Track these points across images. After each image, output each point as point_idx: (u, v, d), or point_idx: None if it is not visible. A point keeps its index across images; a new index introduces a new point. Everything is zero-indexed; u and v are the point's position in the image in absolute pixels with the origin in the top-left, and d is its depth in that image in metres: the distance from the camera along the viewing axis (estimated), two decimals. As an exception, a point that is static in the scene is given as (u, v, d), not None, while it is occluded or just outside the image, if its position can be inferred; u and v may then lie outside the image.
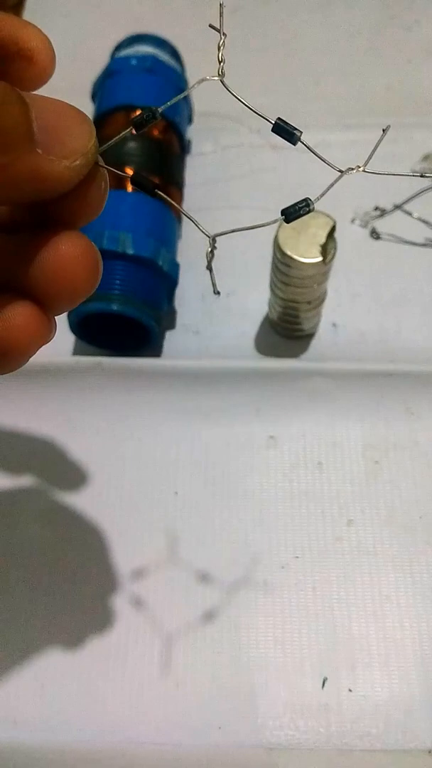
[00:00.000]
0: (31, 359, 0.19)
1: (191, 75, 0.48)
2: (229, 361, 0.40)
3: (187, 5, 0.56)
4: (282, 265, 0.35)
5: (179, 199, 0.44)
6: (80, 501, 0.37)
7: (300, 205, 0.17)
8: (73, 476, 0.37)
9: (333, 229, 0.34)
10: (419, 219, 0.45)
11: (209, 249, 0.17)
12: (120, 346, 0.41)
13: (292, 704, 0.32)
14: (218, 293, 0.18)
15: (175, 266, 0.40)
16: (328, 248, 0.34)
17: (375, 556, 0.35)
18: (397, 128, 0.51)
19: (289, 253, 0.34)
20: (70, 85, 0.51)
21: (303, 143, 0.17)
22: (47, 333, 0.17)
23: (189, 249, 0.44)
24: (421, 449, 0.38)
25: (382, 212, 0.45)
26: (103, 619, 0.34)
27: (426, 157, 0.48)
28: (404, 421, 0.38)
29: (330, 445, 0.38)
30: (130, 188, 0.40)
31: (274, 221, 0.18)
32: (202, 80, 0.18)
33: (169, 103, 0.18)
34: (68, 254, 0.16)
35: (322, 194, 0.17)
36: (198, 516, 0.36)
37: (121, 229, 0.38)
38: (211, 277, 0.18)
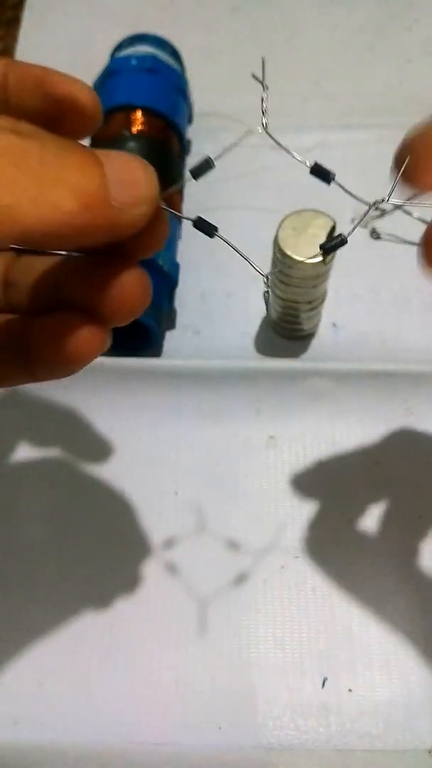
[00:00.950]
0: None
1: (191, 75, 0.48)
2: (229, 361, 0.40)
3: (187, 5, 0.56)
4: (282, 265, 0.35)
5: (179, 199, 0.44)
6: (80, 501, 0.37)
7: (335, 241, 0.19)
8: (73, 476, 0.37)
9: (333, 229, 0.34)
10: (419, 219, 0.45)
11: (265, 290, 0.20)
12: (120, 346, 0.41)
13: (292, 704, 0.32)
14: (273, 317, 0.21)
15: (175, 266, 0.40)
16: (328, 248, 0.34)
17: (375, 555, 0.35)
18: (397, 128, 0.51)
19: (289, 253, 0.34)
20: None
21: (338, 184, 0.20)
22: (105, 345, 0.21)
23: (189, 249, 0.44)
24: (421, 449, 0.38)
25: (382, 212, 0.45)
26: (103, 620, 0.34)
27: (426, 157, 0.48)
28: (404, 421, 0.38)
29: (330, 445, 0.38)
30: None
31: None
32: (248, 133, 0.21)
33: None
34: (131, 287, 0.19)
35: (353, 229, 0.20)
36: (198, 516, 0.36)
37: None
38: (267, 306, 0.20)
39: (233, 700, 0.32)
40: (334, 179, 0.19)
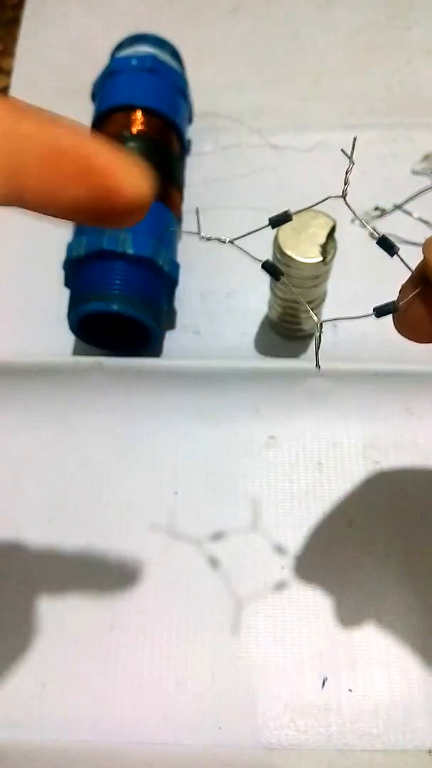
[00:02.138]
0: (30, 359, 0.20)
1: (191, 75, 0.48)
2: (229, 361, 0.40)
3: (187, 5, 0.56)
4: (282, 265, 0.35)
5: (179, 199, 0.44)
6: (80, 501, 0.37)
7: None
8: (73, 476, 0.37)
9: (333, 229, 0.34)
10: (419, 219, 0.45)
11: (317, 333, 0.20)
12: (120, 346, 0.41)
13: (292, 704, 0.32)
14: (318, 367, 0.21)
15: (175, 266, 0.40)
16: (328, 248, 0.34)
17: (375, 556, 0.35)
18: (397, 128, 0.51)
19: (289, 253, 0.34)
20: (71, 85, 0.51)
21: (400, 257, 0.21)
22: None
23: (189, 249, 0.44)
24: (421, 449, 0.38)
25: (382, 212, 0.45)
26: (103, 620, 0.34)
27: (426, 157, 0.48)
28: (404, 421, 0.38)
29: (330, 445, 0.38)
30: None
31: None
32: (326, 198, 0.22)
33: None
34: None
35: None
36: (198, 516, 0.36)
37: (120, 229, 0.38)
38: (317, 356, 0.20)
39: (233, 700, 0.32)
40: (397, 252, 0.20)
